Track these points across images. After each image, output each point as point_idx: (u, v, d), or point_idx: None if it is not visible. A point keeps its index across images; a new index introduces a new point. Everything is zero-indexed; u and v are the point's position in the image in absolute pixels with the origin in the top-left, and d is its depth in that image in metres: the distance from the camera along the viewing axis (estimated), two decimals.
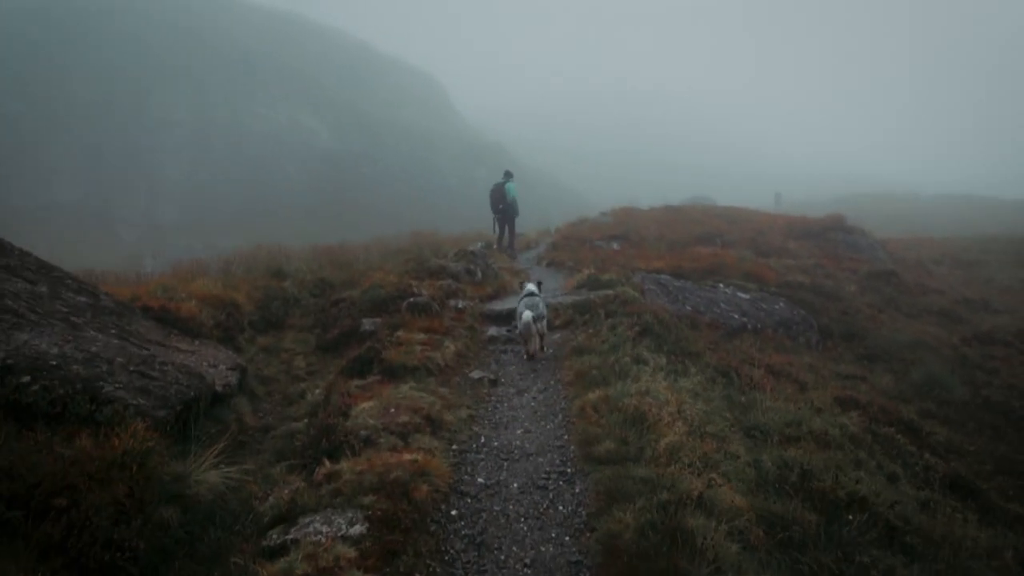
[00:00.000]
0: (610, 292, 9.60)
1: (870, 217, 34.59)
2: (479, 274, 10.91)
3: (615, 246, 18.03)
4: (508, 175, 17.33)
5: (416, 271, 10.33)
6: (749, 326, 11.78)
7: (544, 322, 8.16)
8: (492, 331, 8.64)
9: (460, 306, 8.97)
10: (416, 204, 55.83)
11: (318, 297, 10.92)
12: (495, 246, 18.27)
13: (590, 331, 7.96)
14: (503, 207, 17.07)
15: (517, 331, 8.30)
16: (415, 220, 44.60)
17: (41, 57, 51.40)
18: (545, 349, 8.16)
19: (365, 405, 5.55)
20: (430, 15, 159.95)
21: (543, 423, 5.79)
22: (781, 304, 12.91)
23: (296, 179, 56.54)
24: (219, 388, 5.79)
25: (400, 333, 7.54)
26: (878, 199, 61.00)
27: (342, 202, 54.83)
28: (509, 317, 9.16)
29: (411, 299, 8.33)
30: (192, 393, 4.83)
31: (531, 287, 8.60)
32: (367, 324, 8.20)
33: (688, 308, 11.81)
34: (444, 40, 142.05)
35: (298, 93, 63.30)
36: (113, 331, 5.87)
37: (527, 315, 7.79)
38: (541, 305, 8.15)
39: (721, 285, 13.44)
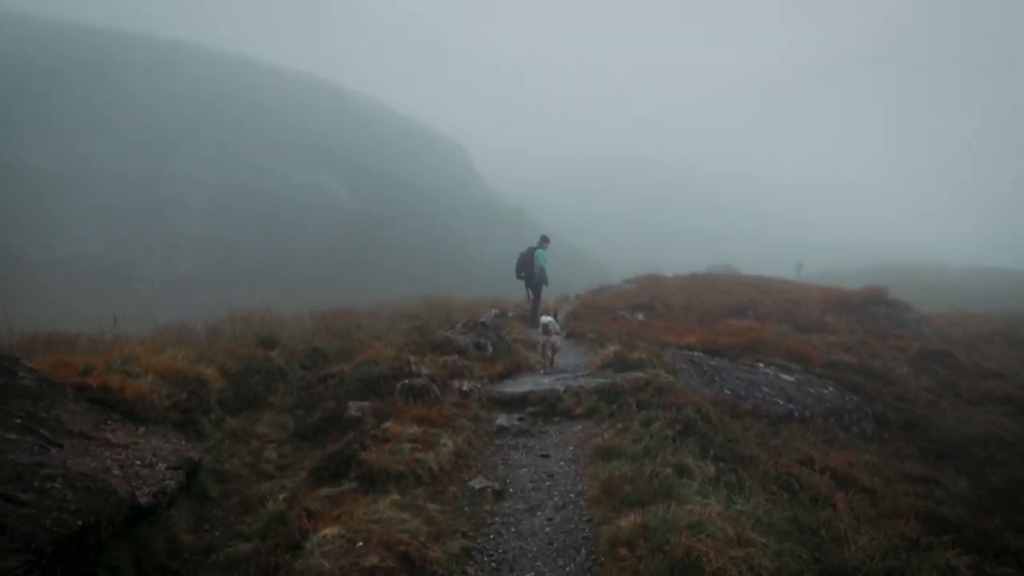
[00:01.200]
0: (640, 375, 8.25)
1: (898, 289, 33.03)
2: (489, 348, 9.61)
3: (640, 316, 16.73)
4: (544, 240, 16.20)
5: (418, 344, 9.06)
6: (796, 414, 10.32)
7: (559, 337, 10.62)
8: (501, 420, 7.28)
9: (465, 388, 7.65)
10: (433, 267, 55.22)
11: (309, 369, 9.66)
12: (510, 314, 17.02)
13: (619, 426, 6.57)
14: (526, 274, 15.93)
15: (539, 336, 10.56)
16: (432, 283, 43.79)
17: (67, 114, 52.20)
18: (554, 361, 10.18)
19: (328, 532, 4.21)
20: (451, 80, 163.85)
21: (561, 562, 4.39)
22: (830, 388, 11.43)
23: (314, 239, 56.33)
24: (144, 500, 4.49)
25: (389, 424, 6.23)
26: (905, 270, 59.37)
27: (359, 263, 54.45)
28: (522, 403, 7.84)
29: (406, 381, 7.04)
30: (82, 521, 3.53)
31: (547, 319, 10.22)
32: (353, 409, 6.91)
33: (726, 391, 10.40)
34: (465, 104, 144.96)
35: (319, 154, 63.81)
36: (18, 421, 4.63)
37: (546, 318, 10.06)
38: (557, 326, 10.46)
39: (761, 365, 12.03)
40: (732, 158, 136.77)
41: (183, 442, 6.05)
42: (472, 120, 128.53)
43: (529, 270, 15.99)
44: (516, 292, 22.51)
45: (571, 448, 6.60)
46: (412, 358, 8.26)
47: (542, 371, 11.40)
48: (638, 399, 7.10)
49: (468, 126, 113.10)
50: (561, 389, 7.94)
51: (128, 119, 55.41)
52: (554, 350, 10.49)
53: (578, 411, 7.53)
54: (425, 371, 7.74)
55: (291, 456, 6.85)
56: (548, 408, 7.68)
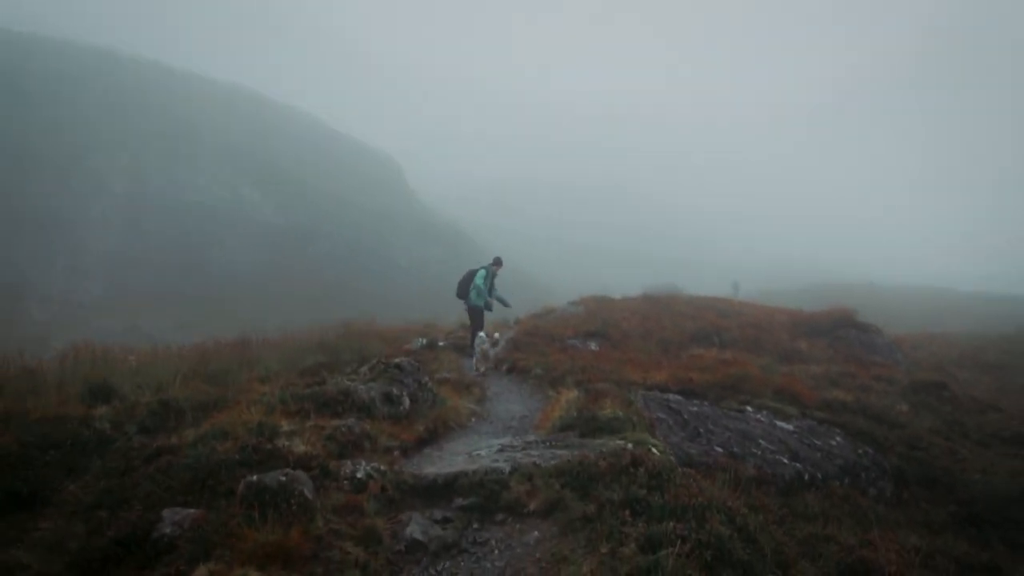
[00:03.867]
0: (619, 444, 5.76)
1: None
2: (406, 401, 6.92)
3: (593, 346, 14.35)
4: (495, 263, 14.18)
5: (302, 398, 6.32)
6: (807, 476, 8.03)
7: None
8: (414, 528, 4.60)
9: (360, 475, 4.96)
10: (364, 284, 52.16)
11: (151, 434, 6.82)
12: (441, 343, 14.43)
13: (602, 549, 4.03)
14: (466, 298, 13.73)
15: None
16: (362, 301, 40.72)
17: None
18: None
19: None
20: (388, 97, 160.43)
21: None
22: (838, 439, 9.22)
23: (235, 255, 52.52)
24: None
25: (213, 565, 3.55)
26: (841, 288, 59.54)
27: (282, 280, 50.97)
28: (448, 490, 5.21)
29: (254, 478, 4.29)
30: None
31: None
32: (168, 523, 4.17)
33: (717, 448, 8.04)
34: (399, 120, 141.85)
35: (241, 167, 59.94)
36: None
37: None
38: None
39: (749, 409, 9.75)
40: (678, 188, 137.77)
41: None
42: (409, 139, 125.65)
43: (467, 291, 13.67)
44: (453, 313, 19.97)
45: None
46: (285, 424, 5.55)
47: (475, 372, 11.85)
48: (628, 494, 4.58)
49: (404, 145, 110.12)
50: (506, 468, 5.36)
51: (28, 129, 50.52)
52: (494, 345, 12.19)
53: (532, 505, 4.95)
54: (299, 448, 5.04)
55: None
56: (487, 499, 5.08)
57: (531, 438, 6.33)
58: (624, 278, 57.39)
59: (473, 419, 8.02)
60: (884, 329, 18.99)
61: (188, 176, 55.77)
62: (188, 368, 9.19)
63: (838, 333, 17.86)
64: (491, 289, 14.23)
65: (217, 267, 49.67)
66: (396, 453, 5.89)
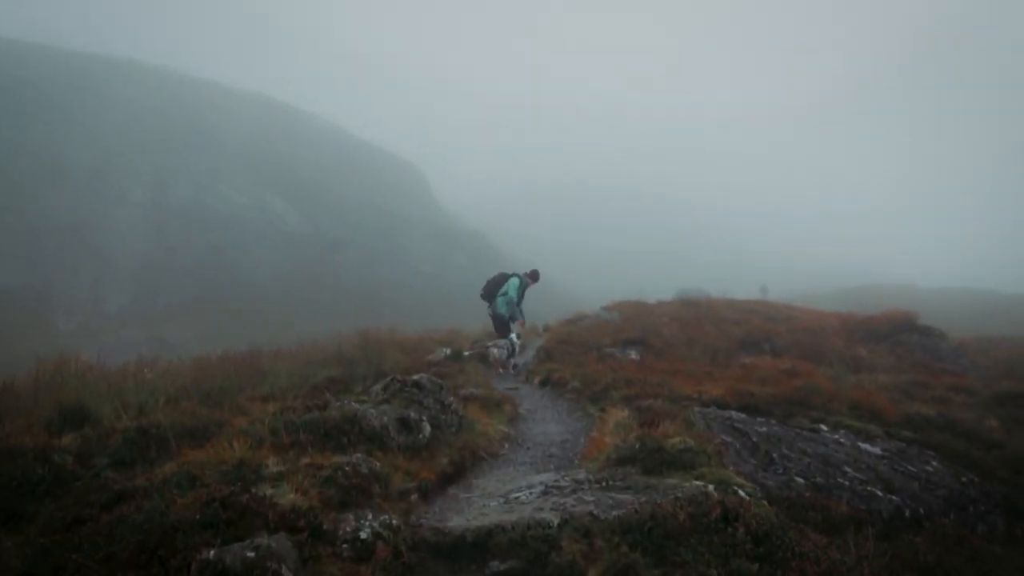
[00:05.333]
0: (698, 486, 4.52)
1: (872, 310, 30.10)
2: (425, 428, 5.70)
3: (633, 355, 13.07)
4: (532, 275, 13.30)
5: (299, 427, 5.16)
6: (907, 512, 6.67)
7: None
8: None
9: (365, 534, 3.78)
10: (389, 292, 51.37)
11: (125, 469, 5.72)
12: (466, 352, 13.26)
13: None
14: (491, 304, 12.69)
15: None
16: (387, 309, 39.82)
17: None
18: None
19: None
20: (405, 104, 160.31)
21: None
22: (934, 464, 7.84)
23: (260, 265, 52.04)
24: None
25: None
26: (879, 290, 57.50)
27: (307, 288, 50.38)
28: (481, 552, 4.02)
29: (212, 555, 3.11)
30: None
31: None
32: None
33: (799, 480, 6.72)
34: (422, 129, 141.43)
35: (266, 175, 59.53)
36: None
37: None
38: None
39: (824, 428, 8.42)
40: (698, 190, 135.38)
41: None
42: (430, 146, 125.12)
43: (494, 295, 12.64)
44: (477, 320, 18.87)
45: None
46: (272, 463, 4.39)
47: (500, 370, 11.74)
48: (727, 569, 3.34)
49: (428, 151, 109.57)
50: (555, 520, 4.14)
51: (55, 136, 50.55)
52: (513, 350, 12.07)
53: (592, 574, 3.74)
54: (286, 498, 3.86)
55: None
56: (532, 563, 3.87)
57: (581, 475, 5.08)
58: (648, 282, 55.72)
59: (506, 445, 6.82)
60: (948, 334, 17.41)
61: (212, 185, 55.47)
62: (180, 386, 8.09)
63: (899, 338, 16.34)
64: (520, 300, 13.17)
65: (242, 276, 49.20)
66: (414, 497, 4.69)
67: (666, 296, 30.71)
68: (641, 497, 4.37)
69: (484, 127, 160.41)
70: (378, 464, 4.68)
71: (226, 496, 3.65)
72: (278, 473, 4.27)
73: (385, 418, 5.40)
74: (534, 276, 13.34)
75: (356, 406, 5.53)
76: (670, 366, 11.51)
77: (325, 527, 3.70)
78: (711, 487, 4.49)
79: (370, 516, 3.99)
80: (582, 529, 4.05)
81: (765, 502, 4.63)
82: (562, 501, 4.47)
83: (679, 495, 4.31)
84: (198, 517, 3.47)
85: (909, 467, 7.54)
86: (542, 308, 31.38)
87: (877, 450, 7.82)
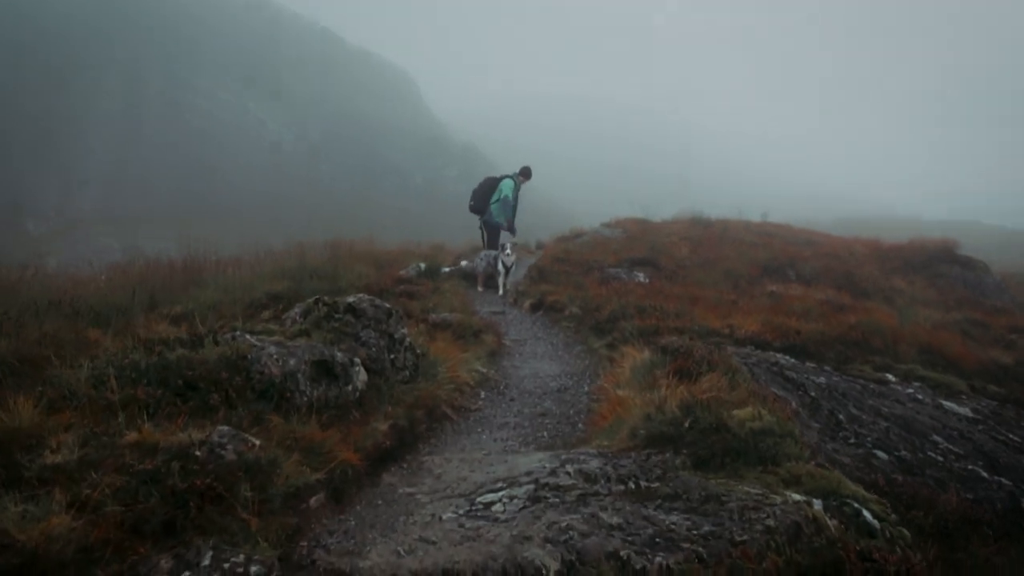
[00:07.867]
0: (796, 501, 2.64)
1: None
2: (358, 376, 3.77)
3: (641, 277, 11.14)
4: (523, 173, 11.51)
5: (137, 376, 3.24)
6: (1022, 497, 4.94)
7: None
8: None
9: None
10: (375, 204, 49.01)
11: None
12: (445, 268, 11.34)
13: None
14: (481, 210, 10.88)
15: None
16: (371, 222, 37.57)
17: None
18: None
19: None
20: (401, 9, 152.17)
21: None
22: None
23: (240, 171, 49.55)
24: None
25: None
26: (881, 222, 55.49)
27: (290, 198, 48.05)
28: None
29: None
30: None
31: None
32: None
33: (880, 454, 4.91)
34: (414, 35, 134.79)
35: (248, 78, 56.00)
36: None
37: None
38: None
39: (891, 377, 6.64)
40: (697, 111, 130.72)
41: None
42: (422, 51, 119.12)
43: (486, 203, 10.71)
44: (466, 235, 16.90)
45: None
46: (66, 443, 2.50)
47: (481, 288, 10.55)
48: None
49: (417, 58, 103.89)
50: (551, 565, 2.29)
51: (15, 39, 46.58)
52: (507, 269, 10.19)
53: None
54: (57, 530, 2.00)
55: None
56: None
57: (592, 463, 3.19)
58: (647, 199, 53.53)
59: (483, 395, 4.96)
60: (990, 266, 15.53)
61: (191, 88, 52.16)
62: (55, 298, 6.10)
63: (937, 269, 14.48)
64: (515, 205, 11.22)
65: (220, 183, 46.75)
66: (314, 501, 2.81)
67: (667, 217, 28.66)
68: (701, 522, 2.50)
69: (482, 35, 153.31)
70: (258, 443, 2.78)
71: None
72: (59, 465, 2.36)
73: (293, 360, 3.48)
74: (526, 173, 11.42)
75: (251, 340, 3.60)
76: (686, 292, 9.64)
77: None
78: (816, 504, 2.63)
79: (208, 558, 2.10)
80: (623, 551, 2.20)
81: (906, 531, 2.76)
82: (563, 520, 2.60)
83: (769, 523, 2.44)
84: None
85: (1009, 435, 5.80)
86: (536, 223, 29.26)
87: (966, 411, 6.05)
